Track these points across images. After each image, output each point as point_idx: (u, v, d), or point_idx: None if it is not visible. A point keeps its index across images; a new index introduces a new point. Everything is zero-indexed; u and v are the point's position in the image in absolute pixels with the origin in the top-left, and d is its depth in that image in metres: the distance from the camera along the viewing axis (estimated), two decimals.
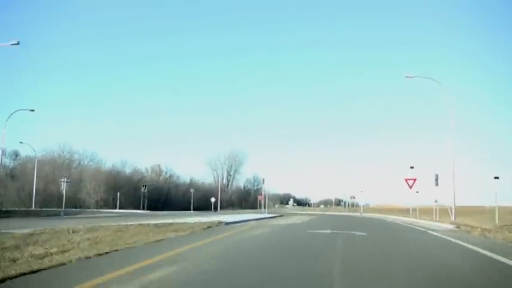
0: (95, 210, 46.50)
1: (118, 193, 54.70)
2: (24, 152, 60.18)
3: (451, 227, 15.86)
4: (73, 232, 11.58)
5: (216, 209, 61.96)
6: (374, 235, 12.84)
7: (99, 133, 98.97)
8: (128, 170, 69.63)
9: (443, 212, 25.51)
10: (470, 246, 9.10)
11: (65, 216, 29.53)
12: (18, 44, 23.32)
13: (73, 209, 41.07)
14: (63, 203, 35.85)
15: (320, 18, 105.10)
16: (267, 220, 22.64)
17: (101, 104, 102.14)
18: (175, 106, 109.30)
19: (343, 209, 75.72)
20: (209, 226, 13.81)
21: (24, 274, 5.09)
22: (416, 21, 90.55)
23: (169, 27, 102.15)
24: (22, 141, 52.39)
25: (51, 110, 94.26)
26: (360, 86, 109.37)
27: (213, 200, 61.34)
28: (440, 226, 17.16)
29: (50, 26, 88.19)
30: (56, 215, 31.93)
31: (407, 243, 10.64)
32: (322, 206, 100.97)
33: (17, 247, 8.32)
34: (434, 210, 25.87)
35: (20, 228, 12.46)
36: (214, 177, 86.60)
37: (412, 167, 31.15)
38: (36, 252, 7.48)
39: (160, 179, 75.14)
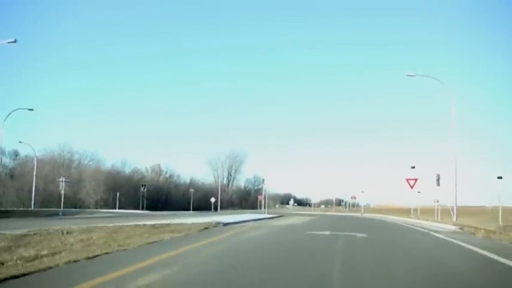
0: (94, 210, 46.30)
1: (118, 193, 54.49)
2: (24, 151, 60.02)
3: (454, 228, 15.53)
4: (67, 233, 11.37)
5: (216, 209, 61.73)
6: (375, 237, 12.57)
7: (99, 132, 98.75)
8: (127, 170, 69.50)
9: (445, 212, 25.28)
10: (478, 250, 8.68)
11: (63, 217, 29.34)
12: (15, 41, 23.17)
13: (72, 209, 40.87)
14: (62, 203, 35.62)
15: (320, 18, 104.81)
16: (266, 221, 22.38)
17: (100, 103, 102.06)
18: (175, 105, 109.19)
19: (344, 209, 75.43)
20: (206, 227, 13.54)
21: (6, 279, 4.85)
22: (416, 21, 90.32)
23: (169, 26, 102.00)
24: (21, 141, 51.92)
25: (51, 109, 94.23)
26: (360, 85, 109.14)
27: (212, 200, 61.11)
28: (443, 227, 16.86)
29: (49, 25, 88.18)
30: (55, 215, 31.75)
31: (409, 245, 10.36)
32: (322, 206, 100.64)
33: (8, 249, 8.12)
34: (435, 211, 25.62)
35: (15, 228, 12.25)
36: (214, 177, 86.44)
37: (413, 167, 30.95)
38: (26, 255, 7.26)
39: (160, 178, 74.93)
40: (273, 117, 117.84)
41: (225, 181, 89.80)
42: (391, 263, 6.96)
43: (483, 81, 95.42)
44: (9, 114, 36.92)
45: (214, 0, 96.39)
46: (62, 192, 35.16)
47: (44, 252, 7.69)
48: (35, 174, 47.50)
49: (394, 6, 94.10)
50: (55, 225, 14.59)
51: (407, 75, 25.91)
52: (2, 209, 36.36)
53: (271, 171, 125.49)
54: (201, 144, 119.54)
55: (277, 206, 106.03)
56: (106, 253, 7.19)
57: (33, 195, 47.00)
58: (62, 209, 34.60)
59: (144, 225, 13.94)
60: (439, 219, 23.57)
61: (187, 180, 77.27)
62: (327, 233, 12.94)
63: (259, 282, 5.09)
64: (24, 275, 5.10)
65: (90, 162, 67.84)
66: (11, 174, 60.30)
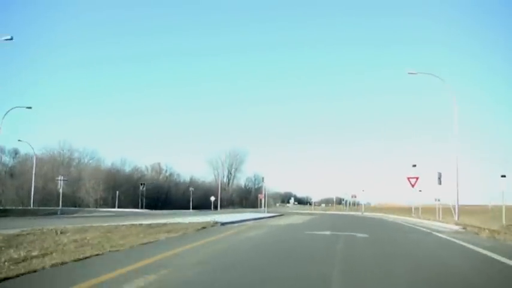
0: (93, 209, 46.08)
1: (117, 192, 54.27)
2: (24, 150, 59.77)
3: (456, 228, 15.19)
4: (61, 233, 11.14)
5: (216, 207, 61.52)
6: (376, 237, 12.28)
7: (99, 132, 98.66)
8: (127, 169, 69.31)
9: (445, 211, 25.06)
10: (483, 251, 8.29)
11: (61, 215, 29.16)
12: (11, 39, 22.95)
13: (70, 208, 40.66)
14: (60, 202, 35.41)
15: (320, 18, 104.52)
16: (265, 220, 22.11)
17: (101, 102, 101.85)
18: (176, 105, 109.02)
19: (344, 207, 75.15)
20: (204, 227, 13.27)
21: None
22: (416, 21, 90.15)
23: (170, 26, 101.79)
24: (21, 139, 51.69)
25: (52, 108, 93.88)
26: (360, 85, 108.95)
27: (212, 198, 60.88)
28: (445, 227, 16.54)
29: (50, 25, 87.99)
30: (53, 213, 31.58)
31: (411, 246, 10.07)
32: (323, 205, 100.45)
33: None
34: (437, 210, 25.37)
35: (9, 228, 12.02)
36: (214, 176, 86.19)
37: (414, 165, 30.66)
38: (16, 256, 7.01)
39: (160, 177, 74.70)
40: (274, 116, 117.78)
41: (225, 180, 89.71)
42: (392, 264, 6.73)
43: (483, 81, 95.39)
44: (8, 112, 36.74)
45: (214, 0, 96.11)
46: (61, 191, 34.94)
47: (35, 253, 7.46)
48: (34, 172, 47.28)
49: (395, 6, 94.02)
50: (52, 224, 14.45)
51: (409, 73, 25.61)
52: (1, 207, 36.21)
53: (272, 170, 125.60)
54: (201, 143, 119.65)
55: (277, 204, 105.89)
56: (97, 254, 6.92)
57: (33, 193, 46.81)
58: (60, 207, 34.38)
59: (141, 224, 13.69)
60: (440, 218, 23.30)
61: (188, 179, 77.13)
62: (327, 233, 12.66)
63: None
64: (5, 279, 4.83)
65: (90, 161, 67.72)
66: (11, 173, 60.18)
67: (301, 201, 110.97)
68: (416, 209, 31.85)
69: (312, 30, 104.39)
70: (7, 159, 64.99)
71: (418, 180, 29.56)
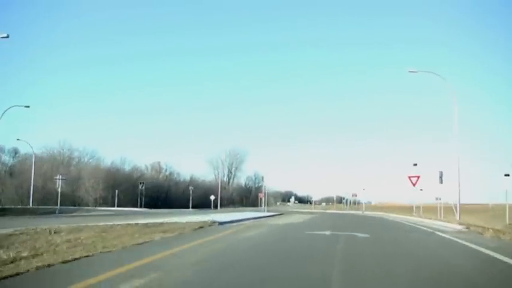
0: (91, 208, 45.88)
1: (116, 191, 54.05)
2: (24, 149, 59.56)
3: (459, 227, 14.84)
4: (55, 233, 10.93)
5: (216, 206, 61.30)
6: (377, 237, 11.98)
7: (100, 131, 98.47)
8: (127, 168, 69.10)
9: (446, 210, 24.85)
10: (492, 253, 7.84)
11: (59, 215, 28.96)
12: (7, 37, 22.65)
13: (69, 207, 40.44)
14: (59, 201, 35.19)
15: (322, 17, 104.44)
16: (265, 219, 21.84)
17: (102, 102, 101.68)
18: (177, 104, 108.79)
19: (345, 206, 74.92)
20: (201, 226, 13.00)
21: None
22: (416, 20, 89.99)
23: (172, 26, 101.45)
24: (19, 138, 51.47)
25: (52, 108, 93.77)
26: (361, 84, 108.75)
27: (212, 197, 60.63)
28: (448, 226, 16.21)
29: (51, 24, 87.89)
30: (52, 212, 31.39)
31: (414, 246, 9.78)
32: (323, 204, 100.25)
33: None
34: (438, 209, 25.13)
35: (4, 227, 11.83)
36: (215, 175, 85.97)
37: (415, 164, 30.47)
38: (5, 257, 6.77)
39: (160, 176, 74.47)
40: (275, 116, 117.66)
41: (225, 179, 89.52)
42: (394, 264, 6.51)
43: (483, 81, 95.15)
44: (6, 111, 36.52)
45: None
46: (59, 190, 34.71)
47: (25, 254, 7.23)
48: (33, 171, 47.10)
49: (395, 6, 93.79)
50: (49, 223, 14.30)
51: (409, 71, 25.34)
52: (0, 206, 36.03)
53: (273, 169, 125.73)
54: (202, 143, 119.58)
55: (278, 203, 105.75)
56: (87, 256, 6.66)
57: (32, 192, 46.63)
58: (58, 207, 34.17)
59: (137, 224, 13.43)
60: (442, 217, 23.03)
61: (188, 178, 76.86)
62: (327, 232, 12.36)
63: None
64: None
65: (90, 160, 67.54)
66: (11, 172, 60.09)
67: (301, 200, 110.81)
68: (418, 208, 31.62)
69: (313, 30, 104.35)
70: (7, 159, 64.93)
71: (419, 179, 29.35)
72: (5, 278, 4.88)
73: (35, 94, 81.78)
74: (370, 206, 75.02)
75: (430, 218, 21.71)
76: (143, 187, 54.63)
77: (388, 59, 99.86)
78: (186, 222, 14.17)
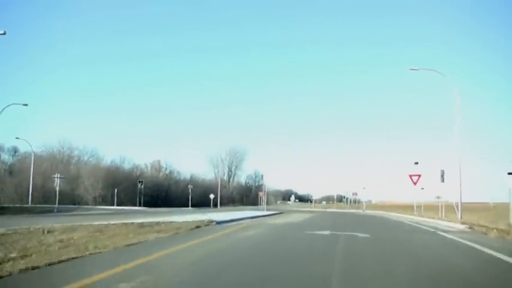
0: (90, 207, 45.67)
1: (116, 189, 53.81)
2: (24, 148, 59.35)
3: (462, 227, 14.52)
4: (48, 232, 10.72)
5: (216, 205, 61.07)
6: (378, 237, 11.69)
7: (100, 130, 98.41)
8: (127, 166, 68.86)
9: (447, 208, 24.64)
10: (499, 255, 7.47)
11: (57, 213, 28.73)
12: (4, 33, 22.43)
13: (67, 206, 40.23)
14: (57, 200, 34.96)
15: (322, 16, 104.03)
16: (264, 218, 21.58)
17: (102, 100, 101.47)
18: (177, 103, 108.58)
19: (345, 205, 74.70)
20: (198, 226, 12.74)
21: None
22: (417, 19, 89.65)
23: (172, 25, 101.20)
24: (18, 137, 51.20)
25: (53, 107, 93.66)
26: (362, 83, 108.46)
27: (212, 196, 60.36)
28: (451, 226, 15.89)
29: (50, 23, 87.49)
30: (50, 211, 31.17)
31: (418, 247, 9.49)
32: (324, 203, 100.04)
33: None
34: (440, 207, 24.88)
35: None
36: (215, 174, 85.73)
37: (416, 163, 30.24)
38: None
39: (160, 175, 74.21)
40: (275, 114, 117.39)
41: (225, 177, 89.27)
42: (395, 265, 6.29)
43: (483, 79, 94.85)
44: (4, 109, 36.30)
45: None
46: (57, 188, 34.47)
47: (13, 254, 7.02)
48: (32, 170, 46.90)
49: (396, 4, 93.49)
50: (45, 222, 14.12)
51: (410, 69, 25.13)
52: None
53: (273, 167, 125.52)
54: (202, 141, 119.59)
55: (278, 202, 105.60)
56: (75, 258, 6.41)
57: (31, 191, 46.45)
58: (57, 205, 33.93)
59: (132, 223, 13.18)
60: (443, 216, 22.78)
61: (188, 177, 76.58)
62: (327, 232, 12.08)
63: None
64: None
65: (90, 159, 67.34)
66: (10, 171, 59.93)
67: (302, 199, 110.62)
68: (419, 206, 31.38)
69: (313, 29, 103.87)
70: (6, 157, 64.79)
71: (420, 177, 29.13)
72: None
73: (35, 93, 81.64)
74: (370, 205, 74.79)
75: (433, 218, 21.42)
76: (142, 186, 54.33)
77: (388, 58, 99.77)
78: (183, 222, 13.92)
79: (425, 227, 15.83)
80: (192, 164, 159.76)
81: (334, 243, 9.33)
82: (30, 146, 51.40)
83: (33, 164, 48.21)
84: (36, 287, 4.46)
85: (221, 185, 70.51)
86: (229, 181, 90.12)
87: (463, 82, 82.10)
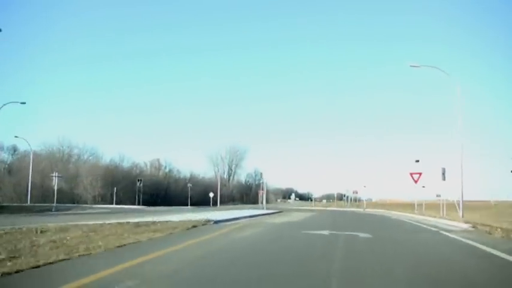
0: (88, 206, 45.45)
1: (115, 188, 53.59)
2: (23, 147, 59.17)
3: (465, 226, 14.20)
4: (41, 232, 10.48)
5: (215, 204, 60.83)
6: (380, 236, 11.41)
7: (99, 128, 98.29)
8: (126, 165, 68.64)
9: (448, 207, 24.39)
10: (507, 257, 7.15)
11: (55, 212, 28.56)
12: (0, 30, 22.30)
13: (65, 205, 40.00)
14: (55, 199, 34.75)
15: (322, 14, 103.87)
16: (262, 217, 21.33)
17: (101, 99, 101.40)
18: (176, 101, 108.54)
19: (346, 203, 74.43)
20: (194, 225, 12.49)
21: None
22: (417, 18, 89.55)
23: (170, 23, 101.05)
24: (17, 135, 51.04)
25: (52, 106, 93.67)
26: (362, 81, 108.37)
27: (211, 195, 60.09)
28: (454, 225, 15.58)
29: (49, 22, 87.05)
30: (48, 210, 31.00)
31: (422, 248, 9.19)
32: (324, 201, 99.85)
33: None
34: (441, 206, 24.65)
35: None
36: (215, 172, 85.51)
37: (417, 161, 30.00)
38: None
39: (160, 173, 73.99)
40: (275, 113, 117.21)
41: (225, 176, 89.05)
42: (396, 265, 6.09)
43: (483, 77, 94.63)
44: (2, 107, 36.06)
45: None
46: (55, 187, 34.27)
47: (2, 256, 6.77)
48: (31, 169, 46.74)
49: (396, 3, 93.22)
50: (42, 221, 13.90)
51: (410, 66, 24.85)
52: None
53: (273, 166, 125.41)
54: (202, 140, 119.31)
55: (278, 200, 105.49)
56: (62, 260, 6.16)
57: (29, 190, 46.29)
58: (55, 204, 33.72)
59: (128, 223, 12.94)
60: (444, 215, 22.53)
61: (187, 175, 76.36)
62: (326, 232, 11.80)
63: None
64: None
65: (90, 157, 67.16)
66: (9, 169, 59.81)
67: (302, 197, 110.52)
68: (419, 205, 31.16)
69: (313, 27, 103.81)
70: (6, 156, 64.67)
71: (421, 175, 28.90)
72: None
73: (34, 92, 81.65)
74: (371, 203, 74.59)
75: (434, 216, 21.13)
76: (141, 184, 54.04)
77: (388, 56, 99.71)
78: (179, 221, 13.66)
79: (427, 227, 15.53)
80: (191, 162, 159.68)
81: (333, 244, 9.08)
82: (29, 144, 51.24)
83: (32, 162, 48.03)
84: None
85: (221, 183, 70.28)
86: (229, 179, 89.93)
87: (463, 80, 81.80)
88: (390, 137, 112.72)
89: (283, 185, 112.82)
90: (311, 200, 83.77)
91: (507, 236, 10.26)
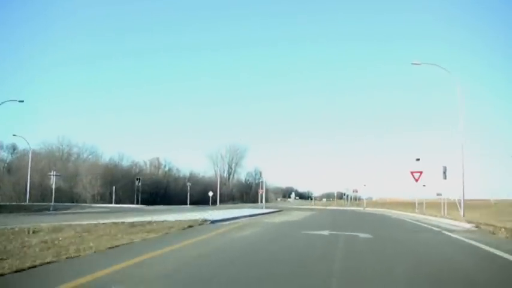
0: (87, 205, 45.17)
1: (114, 187, 53.33)
2: (22, 145, 58.97)
3: (468, 225, 13.91)
4: (33, 233, 10.25)
5: (215, 203, 60.60)
6: (380, 237, 11.15)
7: (99, 128, 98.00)
8: (125, 164, 68.39)
9: (448, 205, 24.16)
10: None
11: (53, 212, 28.35)
12: None
13: (64, 204, 39.76)
14: (53, 198, 34.52)
15: (322, 13, 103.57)
16: (261, 217, 21.07)
17: (100, 98, 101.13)
18: (176, 100, 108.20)
19: (346, 202, 74.21)
20: (190, 225, 12.22)
21: None
22: (417, 17, 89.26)
23: (169, 21, 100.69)
24: (15, 134, 50.74)
25: (51, 105, 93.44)
26: (362, 79, 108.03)
27: (210, 194, 59.82)
28: (455, 224, 15.28)
29: (48, 21, 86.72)
30: (46, 209, 30.81)
31: (421, 245, 9.00)
32: (324, 200, 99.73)
33: None
34: (442, 205, 24.42)
35: None
36: (215, 171, 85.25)
37: (418, 159, 29.78)
38: None
39: (159, 172, 73.73)
40: (275, 112, 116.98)
41: (225, 174, 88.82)
42: (397, 266, 5.87)
43: (483, 76, 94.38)
44: (0, 104, 35.85)
45: None
46: (53, 186, 34.01)
47: None
48: (29, 168, 46.50)
49: (396, 2, 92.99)
50: (38, 221, 13.66)
51: (412, 64, 24.68)
52: None
53: (274, 165, 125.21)
54: (202, 139, 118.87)
55: (278, 199, 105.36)
56: (49, 262, 5.90)
57: (28, 189, 46.08)
58: (53, 203, 33.50)
59: (123, 223, 12.67)
60: (445, 214, 22.28)
61: (187, 174, 76.11)
62: (326, 233, 11.53)
63: None
64: None
65: (90, 156, 66.94)
66: (9, 168, 59.60)
67: (302, 196, 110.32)
68: (420, 204, 30.93)
69: (313, 26, 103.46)
70: (5, 155, 64.50)
71: (422, 174, 28.65)
72: None
73: (33, 91, 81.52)
74: (371, 202, 74.39)
75: (435, 216, 20.86)
76: (140, 183, 53.75)
77: (388, 55, 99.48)
78: (175, 221, 13.39)
79: (428, 226, 15.24)
80: (191, 161, 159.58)
81: (333, 244, 8.83)
82: (28, 143, 51.01)
83: (32, 161, 47.81)
84: None
85: (221, 182, 70.04)
86: (229, 178, 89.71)
87: (463, 79, 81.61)
88: (390, 135, 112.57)
89: (284, 184, 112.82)
90: (311, 199, 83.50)
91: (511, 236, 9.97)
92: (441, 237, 11.03)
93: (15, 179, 52.78)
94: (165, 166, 75.43)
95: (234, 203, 69.35)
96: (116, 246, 7.65)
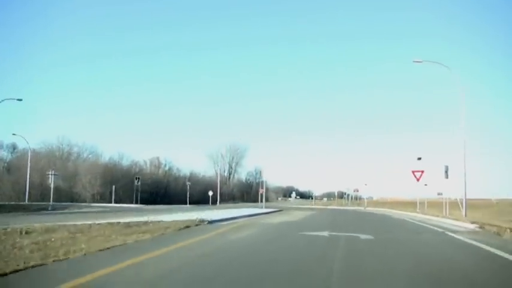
0: (86, 204, 44.97)
1: (114, 186, 53.10)
2: (22, 145, 58.82)
3: (472, 226, 13.58)
4: (26, 233, 10.01)
5: (215, 202, 60.35)
6: (382, 237, 10.88)
7: (99, 126, 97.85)
8: (125, 163, 68.17)
9: (450, 205, 23.89)
10: None
11: (51, 211, 28.18)
12: None
13: (62, 203, 39.60)
14: (51, 197, 34.33)
15: (322, 11, 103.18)
16: (260, 217, 20.80)
17: (100, 97, 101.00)
18: (176, 99, 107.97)
19: (346, 202, 73.96)
20: (187, 226, 11.96)
21: None
22: (417, 15, 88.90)
23: (169, 20, 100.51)
24: (15, 133, 50.58)
25: (51, 104, 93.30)
26: (362, 78, 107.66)
27: (210, 193, 59.58)
28: (458, 225, 14.98)
29: (47, 20, 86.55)
30: (45, 209, 30.62)
31: (428, 250, 8.67)
32: (325, 199, 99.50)
33: None
34: (444, 204, 24.15)
35: None
36: (215, 170, 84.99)
37: (419, 158, 29.52)
38: None
39: (159, 172, 73.49)
40: (275, 111, 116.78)
41: (226, 174, 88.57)
42: (398, 265, 5.67)
43: (483, 75, 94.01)
44: None
45: None
46: (51, 185, 33.83)
47: None
48: (29, 167, 46.31)
49: (396, 0, 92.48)
50: (35, 221, 13.48)
51: (414, 61, 24.39)
52: None
53: (274, 164, 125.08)
54: (202, 138, 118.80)
55: (279, 198, 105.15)
56: (33, 266, 5.65)
57: (27, 188, 45.90)
58: (51, 203, 33.31)
59: (118, 223, 12.42)
60: (447, 214, 22.00)
61: (187, 174, 75.85)
62: (326, 234, 11.25)
63: None
64: None
65: (90, 156, 66.77)
66: (8, 168, 59.50)
67: (303, 196, 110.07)
68: (421, 203, 30.64)
69: (313, 25, 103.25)
70: (5, 154, 64.41)
71: (423, 174, 28.39)
72: None
73: (33, 91, 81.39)
74: (372, 202, 74.09)
75: (437, 216, 20.55)
76: (139, 182, 53.47)
77: (388, 54, 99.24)
78: (172, 221, 13.13)
79: (431, 227, 14.91)
80: (191, 160, 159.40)
81: (333, 244, 8.57)
82: (27, 142, 50.85)
83: (31, 161, 47.64)
84: None
85: (221, 181, 69.80)
86: (229, 178, 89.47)
87: (463, 77, 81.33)
88: (391, 134, 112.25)
89: (284, 183, 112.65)
90: (312, 199, 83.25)
91: None
92: (445, 239, 10.71)
93: (14, 179, 52.61)
94: (165, 165, 75.26)
95: (235, 203, 69.11)
96: (108, 248, 7.39)
